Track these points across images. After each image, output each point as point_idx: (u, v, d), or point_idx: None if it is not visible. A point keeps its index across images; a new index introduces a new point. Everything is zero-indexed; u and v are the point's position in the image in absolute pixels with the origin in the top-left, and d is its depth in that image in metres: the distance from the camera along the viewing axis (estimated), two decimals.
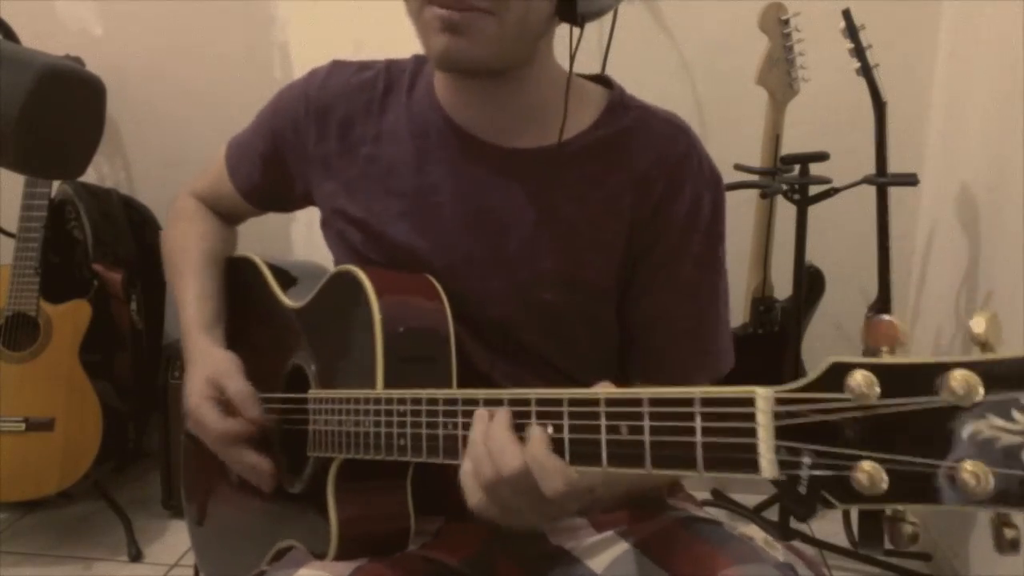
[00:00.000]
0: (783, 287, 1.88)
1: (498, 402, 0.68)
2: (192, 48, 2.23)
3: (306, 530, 0.89)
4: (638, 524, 0.89)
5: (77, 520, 2.12)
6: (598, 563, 0.87)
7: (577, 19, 0.82)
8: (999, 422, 0.43)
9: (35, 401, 1.94)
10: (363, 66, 0.98)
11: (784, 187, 1.75)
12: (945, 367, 0.45)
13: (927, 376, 0.45)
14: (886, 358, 0.48)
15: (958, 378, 0.44)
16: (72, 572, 1.93)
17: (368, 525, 0.85)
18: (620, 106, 0.92)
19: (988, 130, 1.67)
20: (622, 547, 0.89)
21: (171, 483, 2.08)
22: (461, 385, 0.84)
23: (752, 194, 1.82)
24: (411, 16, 0.83)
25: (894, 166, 1.71)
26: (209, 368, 0.95)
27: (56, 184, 2.10)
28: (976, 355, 0.45)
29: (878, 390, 0.47)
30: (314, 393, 0.88)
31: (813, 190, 1.73)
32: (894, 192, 1.74)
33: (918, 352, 2.00)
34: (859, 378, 0.47)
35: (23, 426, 1.92)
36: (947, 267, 1.86)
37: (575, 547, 0.91)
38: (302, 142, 0.98)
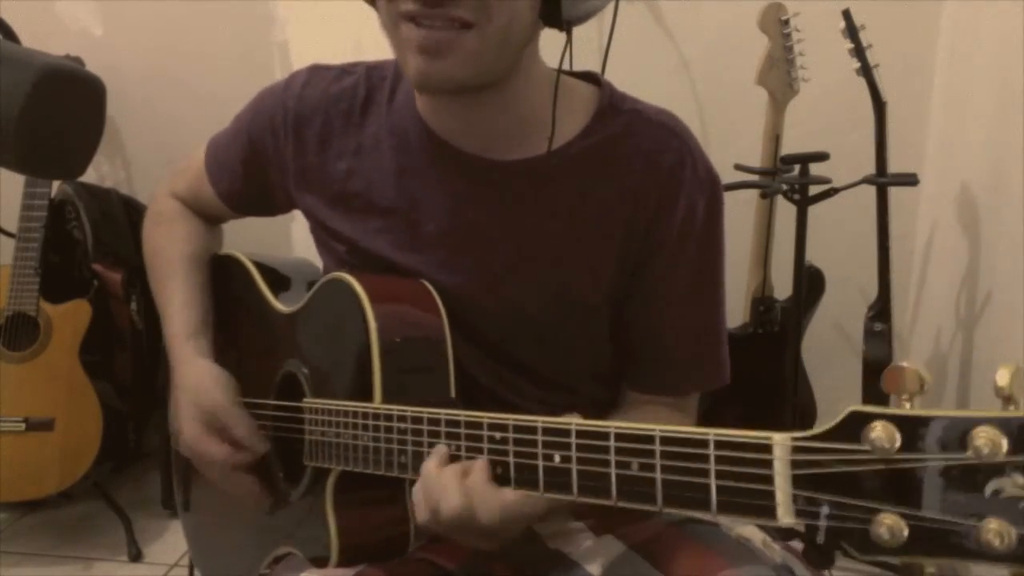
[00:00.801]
0: (783, 287, 1.87)
1: (503, 427, 0.68)
2: (192, 48, 2.23)
3: (305, 538, 0.88)
4: (635, 526, 0.89)
5: (77, 520, 2.12)
6: (595, 566, 0.87)
7: (563, 25, 0.78)
8: None
9: (35, 401, 1.94)
10: (343, 71, 0.95)
11: (784, 187, 1.74)
12: (969, 422, 0.44)
13: (950, 431, 0.45)
14: (907, 409, 0.47)
15: (982, 436, 0.43)
16: (72, 572, 1.93)
17: (368, 533, 0.85)
18: (610, 109, 0.88)
19: (988, 130, 1.66)
20: (619, 549, 0.88)
21: (171, 483, 2.06)
22: (461, 393, 0.83)
23: (752, 194, 1.82)
24: (385, 31, 0.80)
25: (894, 166, 1.71)
26: (201, 392, 0.93)
27: (56, 184, 2.10)
28: (1001, 411, 0.44)
29: (898, 443, 0.46)
30: (310, 402, 0.87)
31: (813, 190, 1.73)
32: (894, 192, 1.73)
33: (919, 352, 1.99)
34: (879, 430, 0.47)
35: (23, 426, 1.92)
36: (947, 267, 1.86)
37: (572, 551, 0.90)
38: (281, 153, 0.96)
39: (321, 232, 0.96)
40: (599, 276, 0.88)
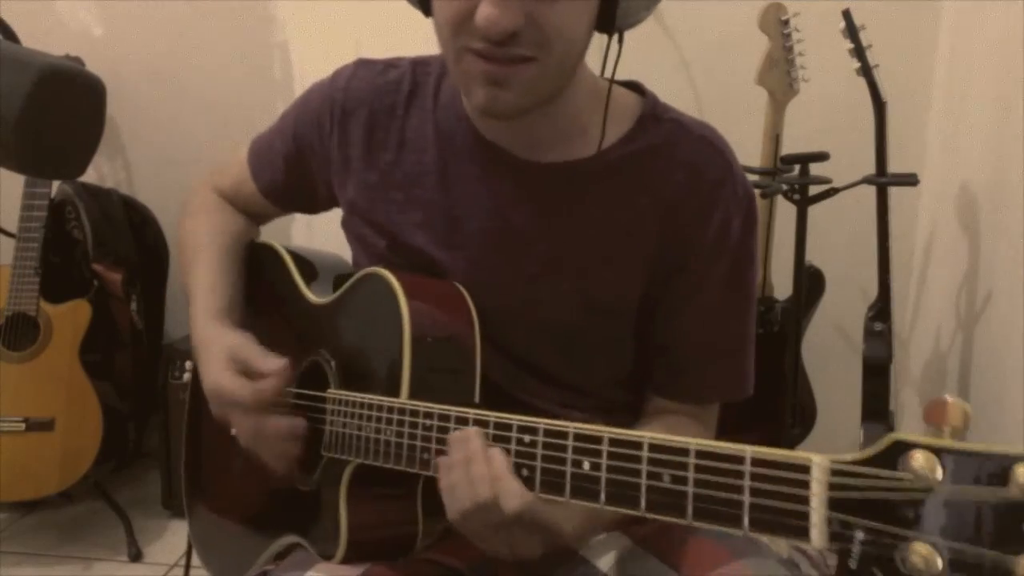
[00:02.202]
0: (783, 287, 1.87)
1: (533, 430, 0.68)
2: (192, 48, 2.23)
3: (313, 529, 0.89)
4: (643, 521, 0.89)
5: (77, 520, 2.12)
6: (604, 561, 0.87)
7: (614, 31, 0.81)
8: None
9: (35, 401, 1.94)
10: (389, 65, 0.96)
11: (784, 187, 1.74)
12: (1012, 459, 0.44)
13: (992, 466, 0.45)
14: (950, 442, 0.47)
15: None
16: (72, 572, 1.93)
17: (377, 530, 0.85)
18: (652, 118, 0.89)
19: (988, 130, 1.66)
20: (627, 544, 0.89)
21: (171, 483, 2.08)
22: (479, 396, 0.83)
23: None
24: (446, 58, 0.81)
25: (894, 166, 1.71)
26: (225, 349, 0.92)
27: (56, 184, 2.10)
28: None
29: (939, 474, 0.46)
30: (334, 393, 0.87)
31: (813, 190, 1.73)
32: (894, 192, 1.74)
33: (918, 352, 1.99)
34: (920, 459, 0.47)
35: (23, 426, 1.92)
36: (947, 267, 1.86)
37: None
38: (325, 145, 0.97)
39: (358, 225, 0.96)
40: (628, 283, 0.88)
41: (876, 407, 1.71)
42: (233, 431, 0.93)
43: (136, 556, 1.97)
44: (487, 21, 0.73)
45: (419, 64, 0.96)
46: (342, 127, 0.95)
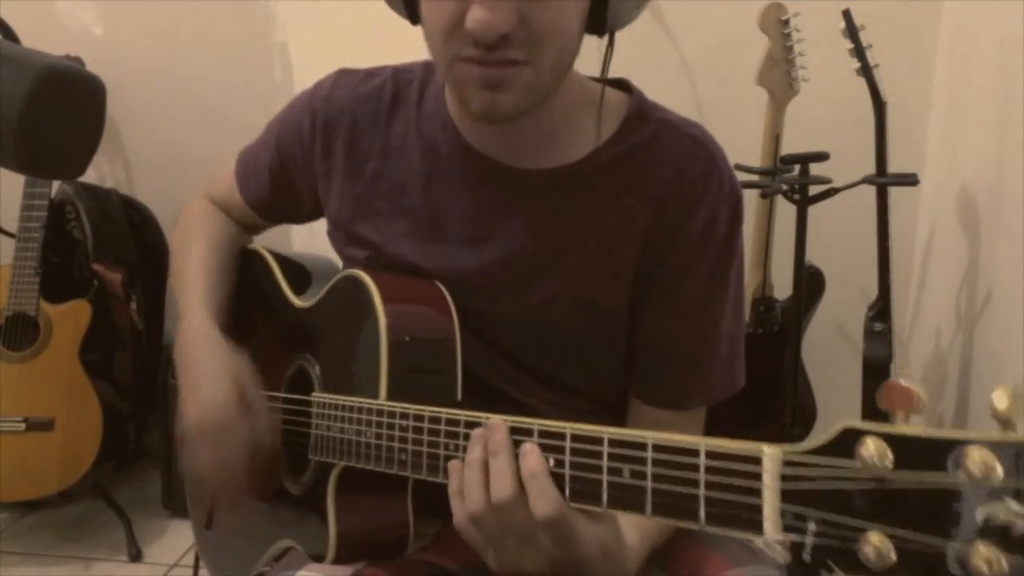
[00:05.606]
0: (783, 287, 1.87)
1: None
2: (192, 48, 2.23)
3: (305, 532, 0.89)
4: None
5: (77, 520, 2.12)
6: None
7: (605, 31, 0.80)
8: (1016, 507, 0.42)
9: (35, 401, 1.94)
10: (369, 74, 0.95)
11: (784, 187, 1.74)
12: (963, 443, 0.43)
13: (943, 451, 0.44)
14: (901, 427, 0.46)
15: (976, 458, 0.42)
16: (72, 572, 1.93)
17: (367, 531, 0.85)
18: (639, 117, 0.88)
19: (988, 130, 1.66)
20: None
21: (171, 483, 2.08)
22: (466, 393, 0.83)
23: (752, 194, 1.82)
24: (438, 66, 0.80)
25: (894, 166, 1.71)
26: (234, 367, 0.91)
27: (56, 184, 2.10)
28: (996, 434, 0.43)
29: (891, 461, 0.46)
30: (317, 397, 0.87)
31: (813, 190, 1.73)
32: (894, 192, 1.74)
33: (919, 352, 1.98)
34: (871, 447, 0.46)
35: (23, 426, 1.92)
36: (947, 267, 1.86)
37: None
38: (308, 157, 0.96)
39: (345, 240, 0.96)
40: (621, 284, 0.87)
41: (876, 407, 1.71)
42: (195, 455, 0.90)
43: (136, 556, 1.97)
44: (479, 24, 0.70)
45: (401, 71, 0.94)
46: (325, 137, 0.94)
